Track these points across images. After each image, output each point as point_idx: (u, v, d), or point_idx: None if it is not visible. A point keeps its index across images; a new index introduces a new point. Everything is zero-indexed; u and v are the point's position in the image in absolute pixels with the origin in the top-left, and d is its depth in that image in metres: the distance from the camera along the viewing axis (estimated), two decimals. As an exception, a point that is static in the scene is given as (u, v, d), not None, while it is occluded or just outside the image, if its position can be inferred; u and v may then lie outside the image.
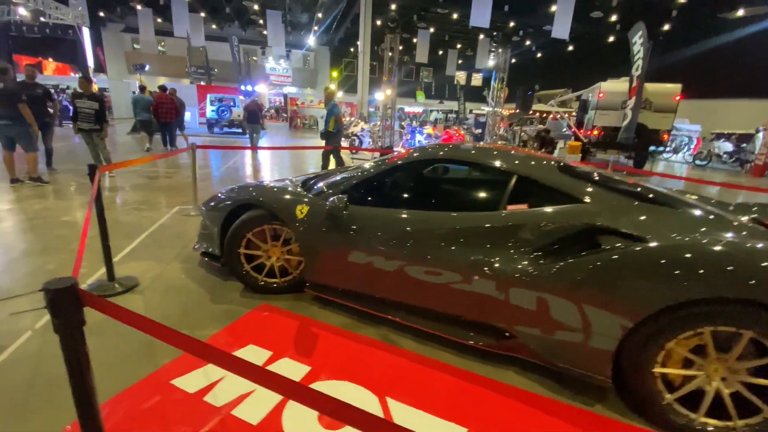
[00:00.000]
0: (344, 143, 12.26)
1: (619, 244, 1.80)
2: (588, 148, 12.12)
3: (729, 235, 1.79)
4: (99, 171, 2.50)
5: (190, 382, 1.88)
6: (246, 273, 2.77)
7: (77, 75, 20.78)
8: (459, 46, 27.32)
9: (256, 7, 20.00)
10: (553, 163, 2.36)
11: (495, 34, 22.05)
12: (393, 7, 17.70)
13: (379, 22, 19.54)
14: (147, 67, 23.64)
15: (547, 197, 2.13)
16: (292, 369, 2.02)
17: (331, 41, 28.92)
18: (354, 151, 11.70)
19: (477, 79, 30.91)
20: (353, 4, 19.51)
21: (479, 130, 17.27)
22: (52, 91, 10.69)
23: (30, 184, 5.66)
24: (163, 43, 27.59)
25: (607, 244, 1.83)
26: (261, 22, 22.15)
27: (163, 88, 10.64)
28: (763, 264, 1.52)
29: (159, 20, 21.05)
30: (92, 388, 1.08)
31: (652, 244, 1.71)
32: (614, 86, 11.66)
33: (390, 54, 9.21)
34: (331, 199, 2.41)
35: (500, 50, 11.47)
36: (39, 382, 1.84)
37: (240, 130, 16.73)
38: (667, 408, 1.71)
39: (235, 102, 17.20)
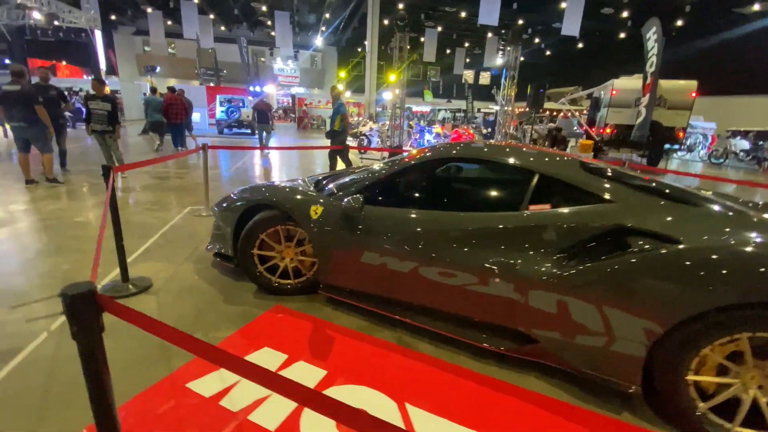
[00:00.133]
0: (353, 143, 12.24)
1: (650, 246, 1.73)
2: (600, 147, 11.94)
3: (764, 236, 1.71)
4: (113, 172, 2.49)
5: (205, 385, 1.85)
6: (260, 274, 2.74)
7: (89, 77, 21.10)
8: (467, 44, 27.13)
9: (264, 8, 20.07)
10: (575, 161, 2.28)
11: (503, 32, 21.87)
12: (401, 6, 17.63)
13: (386, 22, 19.50)
14: (158, 69, 23.91)
15: (570, 197, 2.06)
16: (308, 373, 1.98)
17: (339, 41, 28.94)
18: (362, 150, 11.67)
19: (485, 78, 30.68)
20: (361, 5, 19.48)
21: (488, 129, 17.11)
22: (66, 93, 10.84)
23: (44, 185, 5.72)
24: (173, 45, 27.86)
25: (636, 245, 1.76)
26: (269, 23, 22.23)
27: (171, 89, 10.78)
28: None
29: (169, 23, 21.24)
30: (110, 393, 1.05)
31: (686, 246, 1.63)
32: (627, 83, 11.47)
33: (400, 53, 9.14)
34: (346, 199, 2.36)
35: (510, 48, 11.33)
36: (55, 384, 1.83)
37: (249, 131, 16.79)
38: (701, 417, 1.63)
39: (244, 103, 17.27)
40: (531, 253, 1.97)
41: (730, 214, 1.90)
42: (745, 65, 18.96)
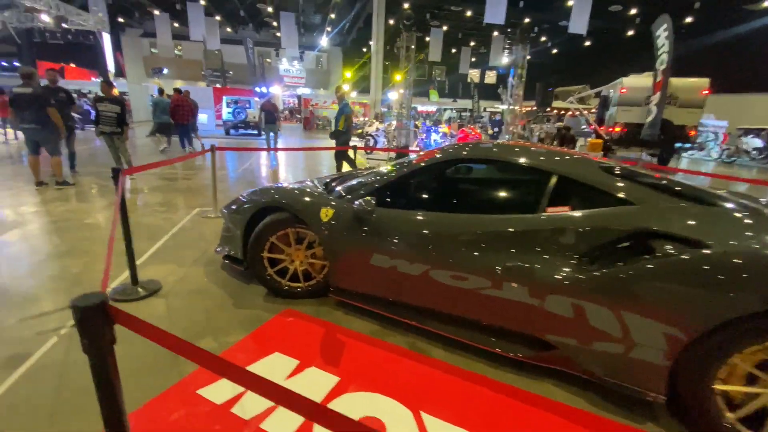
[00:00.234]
0: (360, 143, 12.21)
1: (675, 250, 1.66)
2: (609, 146, 11.79)
3: None
4: (122, 175, 2.47)
5: (216, 392, 1.82)
6: (270, 277, 2.71)
7: (97, 79, 21.30)
8: (472, 43, 27.01)
9: (269, 9, 20.13)
10: (593, 161, 2.22)
11: (509, 30, 21.72)
12: (406, 6, 17.57)
13: (392, 22, 19.45)
14: (165, 71, 24.07)
15: (589, 198, 2.00)
16: (320, 379, 1.94)
17: (344, 42, 28.95)
18: (369, 151, 11.63)
19: (491, 77, 30.53)
20: (366, 5, 19.46)
21: (495, 129, 16.97)
22: (75, 95, 10.94)
23: (54, 188, 5.75)
24: (179, 47, 28.04)
25: (661, 249, 1.70)
26: (275, 24, 22.29)
27: (178, 90, 10.87)
28: None
29: (176, 25, 21.39)
30: (121, 403, 1.01)
31: (715, 250, 1.56)
32: (637, 81, 11.31)
33: (407, 52, 9.09)
34: (358, 201, 2.32)
35: (518, 47, 11.23)
36: (65, 390, 1.81)
37: (255, 132, 16.83)
38: (729, 428, 1.56)
39: (251, 104, 17.33)
40: (550, 256, 1.91)
41: (756, 216, 1.83)
42: (756, 62, 18.64)
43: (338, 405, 1.77)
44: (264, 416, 1.69)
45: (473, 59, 28.27)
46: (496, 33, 23.12)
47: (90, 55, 22.62)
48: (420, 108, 27.30)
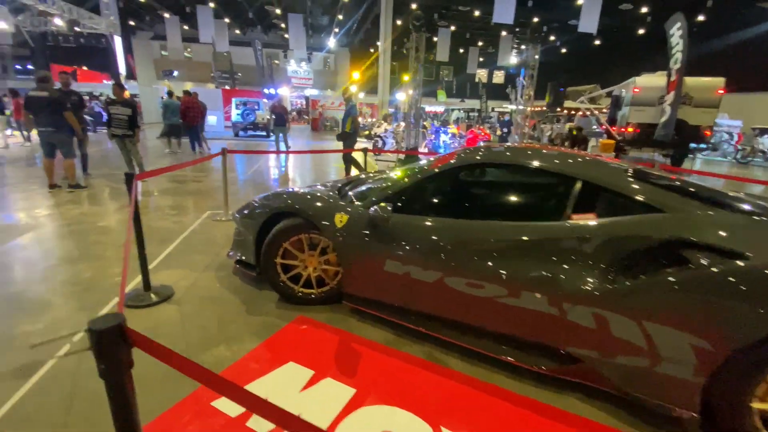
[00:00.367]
0: (367, 144, 12.16)
1: (710, 260, 1.58)
2: (621, 146, 11.60)
3: None
4: (135, 180, 2.44)
5: (231, 404, 1.76)
6: (283, 283, 2.67)
7: (110, 82, 21.56)
8: (480, 43, 26.82)
9: (278, 11, 20.19)
10: (620, 166, 2.14)
11: (517, 30, 21.53)
12: (414, 6, 17.49)
13: (399, 22, 19.39)
14: (176, 73, 24.29)
15: (616, 205, 1.92)
16: (336, 391, 1.89)
17: (351, 43, 28.95)
18: (377, 153, 11.57)
19: (498, 77, 30.31)
20: (373, 6, 19.43)
21: (504, 130, 16.80)
22: (86, 97, 11.06)
23: (67, 190, 5.78)
24: (189, 50, 28.28)
25: (694, 259, 1.62)
26: (282, 25, 22.36)
27: (187, 92, 10.97)
28: None
29: (185, 27, 21.56)
30: (137, 424, 0.97)
31: (753, 262, 1.48)
32: (650, 81, 11.10)
33: (416, 53, 9.03)
34: (374, 207, 2.27)
35: (529, 46, 11.10)
36: (78, 400, 1.78)
37: (264, 133, 16.88)
38: (769, 450, 1.48)
39: (259, 105, 17.39)
40: (575, 265, 1.84)
41: None
42: (771, 61, 18.23)
43: (356, 419, 1.72)
44: (281, 430, 1.64)
45: (481, 59, 28.06)
46: (504, 33, 22.93)
47: (102, 58, 22.94)
48: (427, 108, 27.18)
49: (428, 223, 2.25)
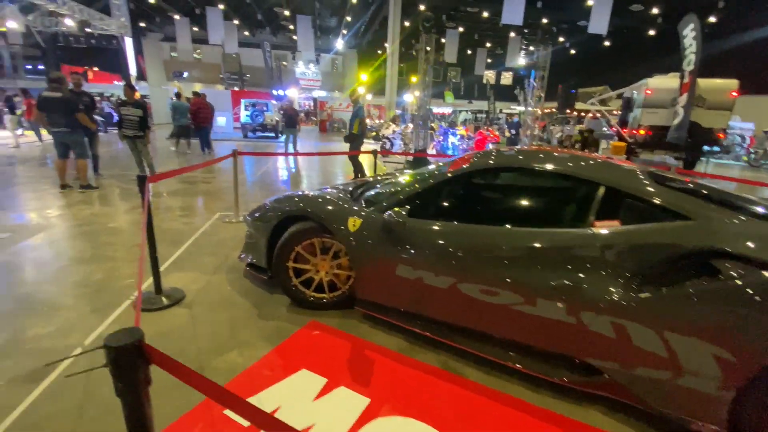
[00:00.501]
0: (376, 146, 12.12)
1: (741, 271, 1.51)
2: (633, 149, 11.45)
3: None
4: (148, 183, 2.42)
5: (243, 412, 1.73)
6: (295, 288, 2.63)
7: (120, 83, 21.80)
8: (488, 44, 26.69)
9: (286, 12, 20.25)
10: (645, 171, 2.07)
11: (526, 31, 21.37)
12: (422, 7, 17.44)
13: (407, 24, 19.35)
14: (186, 74, 24.47)
15: (641, 212, 1.86)
16: (351, 400, 1.84)
17: (359, 44, 28.97)
18: (384, 155, 11.53)
19: (506, 78, 30.12)
20: (381, 7, 19.41)
21: (512, 132, 16.66)
22: (97, 98, 11.18)
23: (78, 190, 5.81)
24: (198, 51, 28.48)
25: (725, 269, 1.55)
26: (291, 27, 22.43)
27: (197, 94, 11.04)
28: None
29: (195, 29, 21.70)
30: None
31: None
32: (662, 82, 10.95)
33: (426, 54, 8.97)
34: (389, 212, 2.22)
35: (540, 47, 11.00)
36: (90, 407, 1.75)
37: (273, 134, 16.93)
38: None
39: (268, 107, 17.45)
40: (599, 274, 1.78)
41: None
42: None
43: (371, 430, 1.67)
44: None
45: (489, 60, 27.93)
46: (512, 34, 22.79)
47: (112, 59, 23.18)
48: (435, 110, 27.11)
49: (445, 229, 2.20)
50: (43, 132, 11.90)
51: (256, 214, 2.91)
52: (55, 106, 5.49)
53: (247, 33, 24.31)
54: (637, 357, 1.67)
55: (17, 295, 2.76)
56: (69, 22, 14.21)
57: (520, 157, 2.39)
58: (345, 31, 24.29)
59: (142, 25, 23.71)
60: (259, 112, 17.07)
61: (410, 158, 9.79)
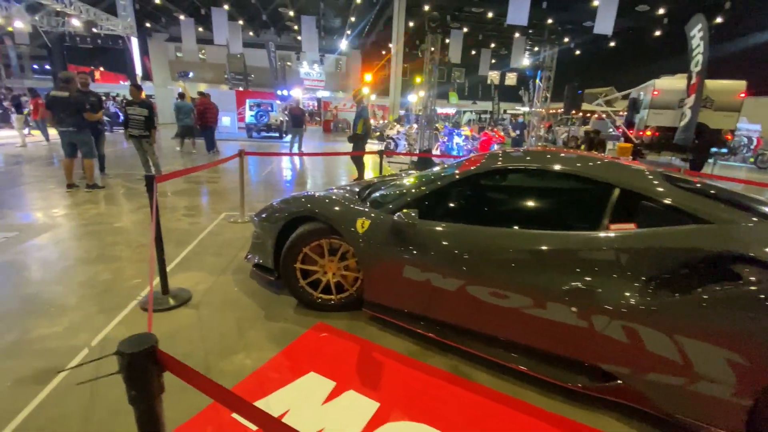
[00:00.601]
0: (381, 146, 12.10)
1: (760, 276, 1.48)
2: (639, 150, 11.37)
3: None
4: (155, 183, 2.41)
5: (252, 416, 1.71)
6: (302, 289, 2.61)
7: (126, 83, 21.92)
8: (493, 45, 26.60)
9: (291, 13, 20.29)
10: (660, 173, 2.04)
11: (531, 32, 21.29)
12: (427, 8, 17.42)
13: (411, 24, 19.32)
14: (191, 74, 24.56)
15: (657, 215, 1.82)
16: (360, 405, 1.82)
17: (363, 45, 28.98)
18: (389, 155, 11.50)
19: (511, 79, 30.02)
20: (386, 8, 19.40)
21: (517, 132, 16.59)
22: (103, 98, 11.22)
23: (84, 190, 5.83)
24: (203, 51, 28.59)
25: (745, 274, 1.51)
26: (295, 27, 22.46)
27: (202, 94, 11.07)
28: None
29: (200, 29, 21.78)
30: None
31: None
32: (670, 83, 10.88)
33: (431, 54, 8.95)
34: (399, 213, 2.19)
35: (546, 48, 10.95)
36: (98, 409, 1.74)
37: (277, 134, 16.94)
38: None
39: (273, 107, 17.47)
40: (614, 278, 1.74)
41: None
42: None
43: (381, 435, 1.65)
44: (303, 446, 1.57)
45: (493, 61, 27.84)
46: (517, 34, 22.70)
47: (118, 59, 23.33)
48: (439, 110, 27.05)
49: (457, 230, 2.17)
50: (51, 131, 11.98)
51: (263, 215, 2.89)
52: (62, 105, 5.51)
53: (251, 33, 24.37)
54: (654, 362, 1.63)
55: (23, 294, 2.75)
56: (76, 22, 14.30)
57: (529, 158, 2.36)
58: (349, 32, 24.30)
59: (148, 25, 23.82)
60: (264, 112, 17.09)
61: (415, 159, 9.76)
